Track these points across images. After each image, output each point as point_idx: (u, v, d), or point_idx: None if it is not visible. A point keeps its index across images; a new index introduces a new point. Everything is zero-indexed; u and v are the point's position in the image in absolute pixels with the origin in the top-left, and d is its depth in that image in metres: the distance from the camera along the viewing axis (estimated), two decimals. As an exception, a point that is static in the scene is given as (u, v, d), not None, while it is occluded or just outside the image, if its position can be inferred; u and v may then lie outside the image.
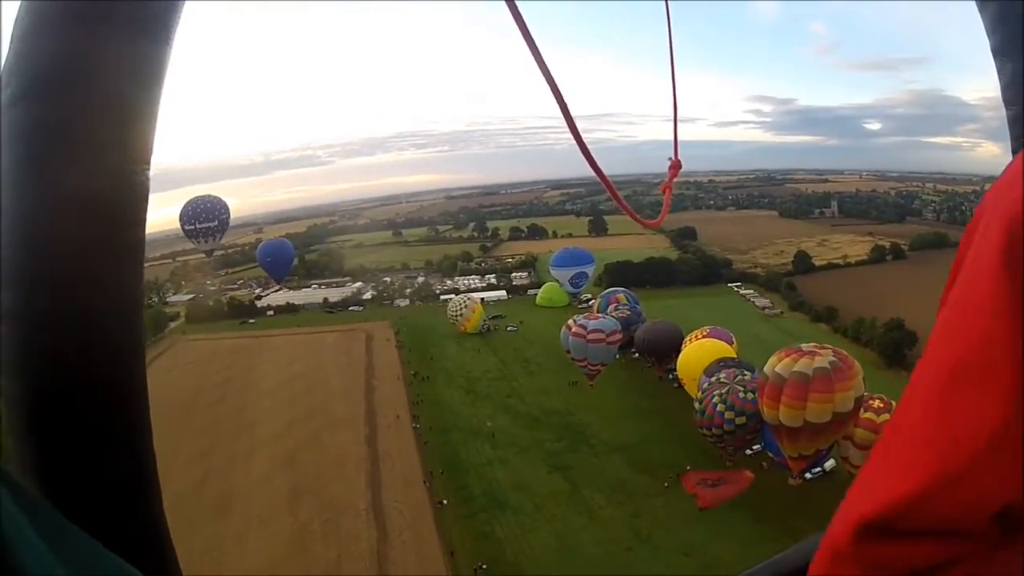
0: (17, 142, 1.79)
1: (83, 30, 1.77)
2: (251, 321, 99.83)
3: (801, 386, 35.51)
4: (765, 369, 38.39)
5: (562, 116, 3.02)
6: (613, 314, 63.66)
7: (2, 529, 0.92)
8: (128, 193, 1.86)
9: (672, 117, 7.07)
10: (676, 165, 7.08)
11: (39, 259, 1.77)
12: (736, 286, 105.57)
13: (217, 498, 52.36)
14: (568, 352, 56.66)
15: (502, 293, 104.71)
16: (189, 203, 63.07)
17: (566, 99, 2.90)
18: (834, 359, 36.34)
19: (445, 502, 49.00)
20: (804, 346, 38.72)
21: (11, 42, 1.81)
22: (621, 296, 70.79)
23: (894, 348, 67.34)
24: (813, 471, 44.05)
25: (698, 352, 54.58)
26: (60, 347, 1.77)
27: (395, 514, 48.68)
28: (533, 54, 2.66)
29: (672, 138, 7.03)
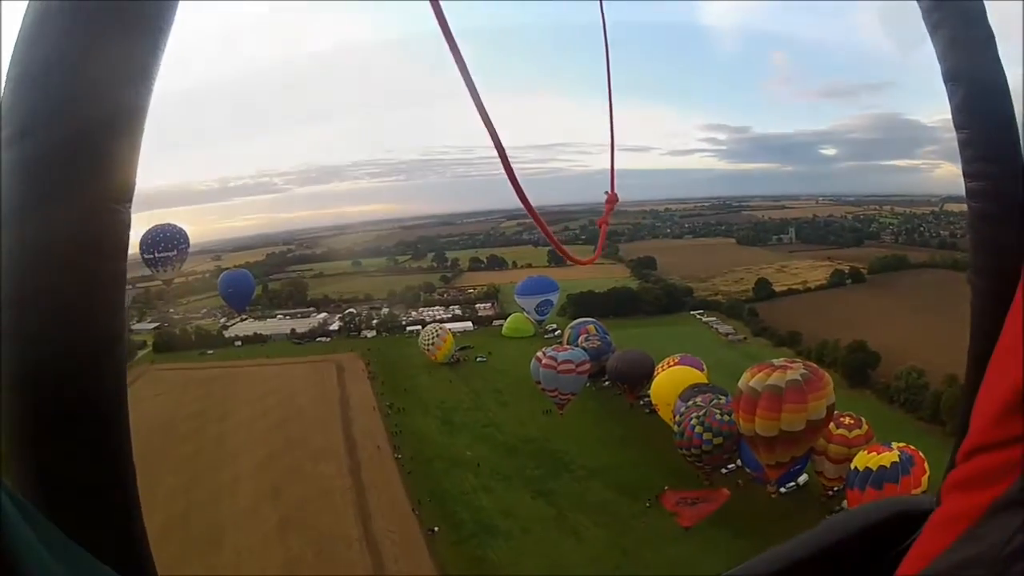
0: (11, 178, 1.98)
1: (71, 78, 2.03)
2: (213, 352, 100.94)
3: (775, 398, 39.07)
4: (739, 384, 41.81)
5: (494, 147, 3.32)
6: (584, 344, 66.99)
7: (8, 538, 1.33)
8: (111, 229, 2.09)
9: (609, 147, 7.45)
10: (612, 199, 7.28)
11: (31, 288, 1.96)
12: (699, 314, 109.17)
13: (205, 531, 54.17)
14: (539, 383, 59.73)
15: (468, 324, 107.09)
16: (149, 232, 64.30)
17: (497, 130, 3.20)
18: (805, 371, 40.19)
19: (436, 529, 51.73)
20: (775, 361, 42.68)
21: (5, 83, 2.09)
22: (591, 327, 74.01)
23: (857, 368, 71.60)
24: (787, 485, 48.28)
25: (671, 379, 58.38)
26: (46, 369, 1.98)
27: (388, 543, 51.08)
28: (467, 84, 2.96)
29: (610, 169, 7.44)
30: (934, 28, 3.49)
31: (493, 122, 3.20)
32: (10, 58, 2.13)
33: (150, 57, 2.15)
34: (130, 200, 2.15)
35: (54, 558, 1.46)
